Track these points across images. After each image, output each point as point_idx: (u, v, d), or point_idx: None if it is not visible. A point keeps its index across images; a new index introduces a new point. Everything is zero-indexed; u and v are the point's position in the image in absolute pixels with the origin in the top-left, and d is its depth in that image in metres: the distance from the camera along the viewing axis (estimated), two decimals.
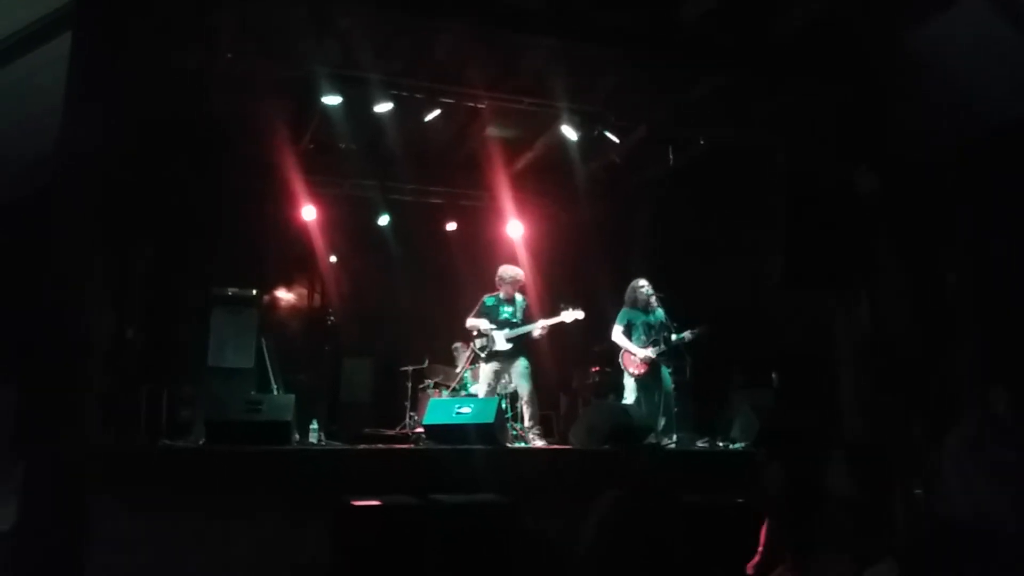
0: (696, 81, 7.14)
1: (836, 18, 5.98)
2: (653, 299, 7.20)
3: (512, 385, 7.25)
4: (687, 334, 7.06)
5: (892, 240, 6.26)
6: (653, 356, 7.04)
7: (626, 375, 7.23)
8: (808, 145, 6.45)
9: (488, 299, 7.32)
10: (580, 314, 7.14)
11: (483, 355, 7.20)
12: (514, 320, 7.18)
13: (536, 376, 7.19)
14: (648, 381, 7.10)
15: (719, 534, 4.01)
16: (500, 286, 7.30)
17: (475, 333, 7.30)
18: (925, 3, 5.60)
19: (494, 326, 7.16)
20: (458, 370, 7.93)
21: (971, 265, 5.99)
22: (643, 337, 7.16)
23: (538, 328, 7.13)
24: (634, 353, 7.11)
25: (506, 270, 7.36)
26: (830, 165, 6.29)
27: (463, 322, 7.43)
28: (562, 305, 7.24)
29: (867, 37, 6.04)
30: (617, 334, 7.25)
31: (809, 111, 6.49)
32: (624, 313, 7.30)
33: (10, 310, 6.21)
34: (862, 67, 6.17)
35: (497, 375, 7.16)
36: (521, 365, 7.04)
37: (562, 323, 7.16)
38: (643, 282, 7.27)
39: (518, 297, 7.32)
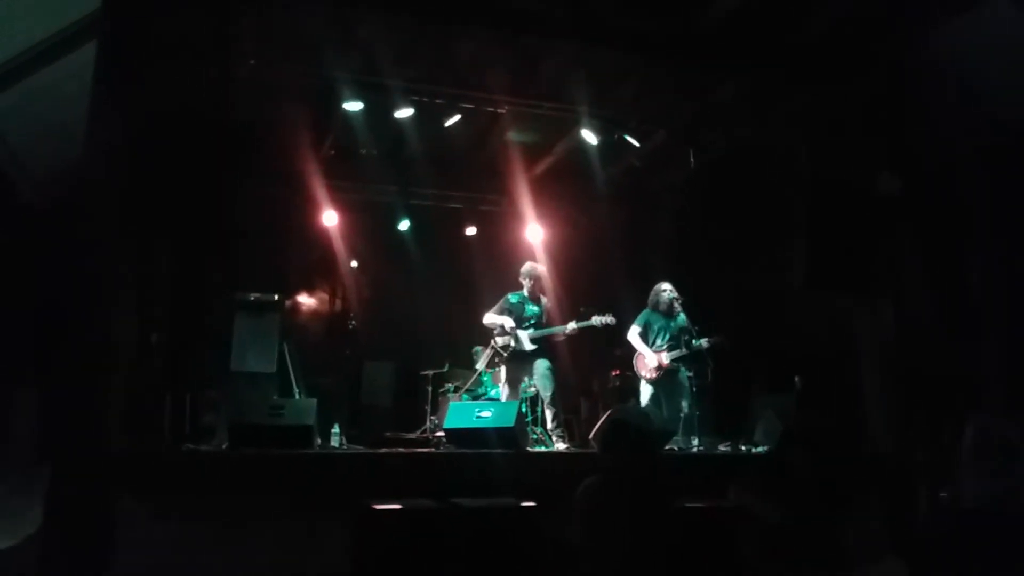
0: (718, 84, 7.11)
1: (859, 20, 5.93)
2: (676, 303, 7.16)
3: (534, 387, 7.23)
4: (704, 341, 7.02)
5: (915, 242, 6.20)
6: (666, 362, 7.01)
7: (641, 379, 7.21)
8: (830, 147, 6.39)
9: (513, 296, 7.27)
10: (611, 319, 7.12)
11: (505, 354, 7.17)
12: (541, 320, 7.14)
13: (557, 379, 7.16)
14: (666, 385, 7.08)
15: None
16: (524, 283, 7.25)
17: (496, 331, 7.25)
18: (948, 5, 5.54)
19: (516, 325, 7.12)
20: (478, 366, 7.88)
21: (994, 267, 5.92)
22: (659, 341, 7.14)
23: (568, 329, 7.09)
24: (646, 356, 7.10)
25: (532, 266, 7.31)
26: (852, 167, 6.24)
27: (483, 325, 7.41)
28: (583, 309, 7.22)
29: (890, 39, 5.99)
30: (633, 334, 7.22)
31: (831, 113, 6.44)
32: (644, 315, 7.28)
33: (35, 314, 6.30)
34: (884, 69, 6.11)
35: (519, 376, 7.13)
36: (543, 366, 7.01)
37: (592, 327, 7.13)
38: (666, 286, 7.23)
39: (543, 297, 7.28)
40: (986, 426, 2.86)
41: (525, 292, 7.25)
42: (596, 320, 7.09)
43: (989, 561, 2.55)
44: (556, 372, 7.12)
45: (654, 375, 7.06)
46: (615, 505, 3.76)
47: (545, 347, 7.12)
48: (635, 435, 4.04)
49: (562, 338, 7.16)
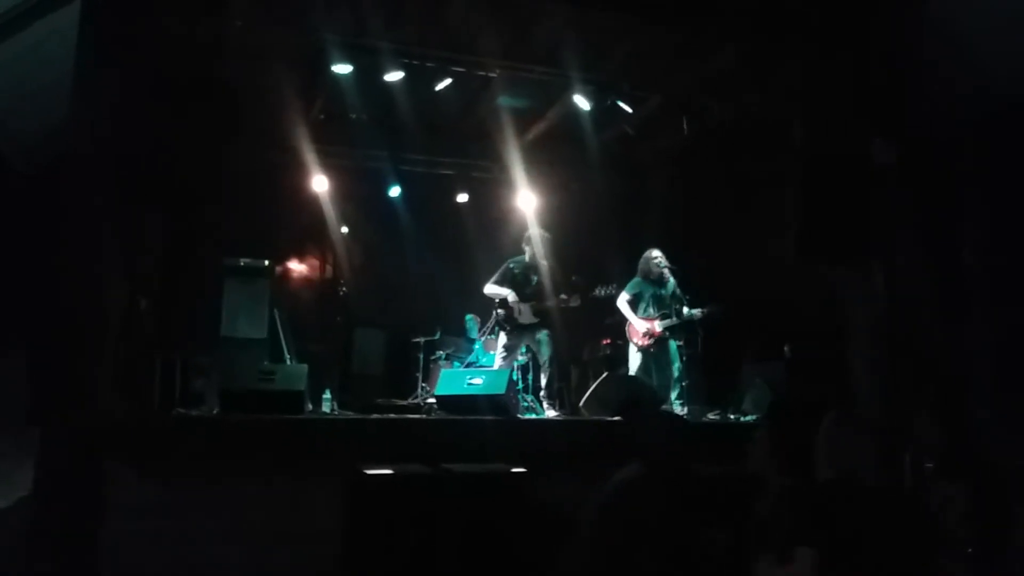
0: (713, 50, 7.04)
1: None
2: (666, 271, 7.16)
3: (528, 354, 7.21)
4: (697, 312, 7.03)
5: (908, 214, 6.19)
6: (659, 330, 7.03)
7: (631, 346, 7.23)
8: (825, 117, 6.35)
9: (514, 264, 7.15)
10: (613, 290, 7.10)
11: (508, 326, 7.07)
12: (544, 289, 7.03)
13: (556, 346, 7.12)
14: (656, 353, 7.10)
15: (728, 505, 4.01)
16: (526, 249, 7.13)
17: (497, 302, 7.14)
18: None
19: (518, 297, 7.03)
20: (479, 337, 7.86)
21: (987, 241, 5.93)
22: (651, 309, 7.15)
23: (571, 303, 7.01)
24: (635, 324, 7.12)
25: (537, 231, 7.15)
26: (847, 138, 6.20)
27: (475, 294, 7.37)
28: (574, 278, 7.19)
29: (888, 7, 5.93)
30: (621, 302, 7.22)
31: (827, 82, 6.39)
32: (634, 283, 7.28)
33: (24, 280, 6.25)
34: (882, 38, 6.06)
35: (518, 344, 7.10)
36: (542, 334, 6.97)
37: (596, 297, 7.11)
38: (657, 253, 7.22)
39: (544, 263, 7.12)
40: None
41: (527, 258, 7.14)
42: (599, 291, 7.07)
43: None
44: (554, 339, 7.10)
45: (645, 343, 7.09)
46: (649, 495, 3.35)
47: (546, 317, 7.07)
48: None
49: (563, 306, 7.13)
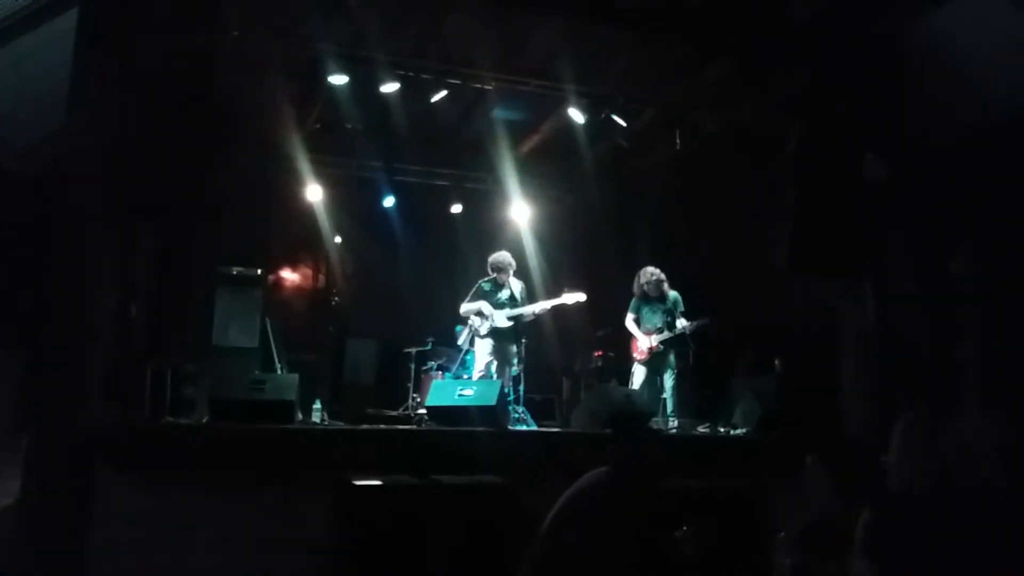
0: (707, 64, 7.09)
1: (848, 3, 5.93)
2: (664, 285, 7.23)
3: (515, 365, 7.26)
4: (688, 325, 7.09)
5: (899, 228, 6.23)
6: (654, 344, 7.14)
7: (635, 362, 7.32)
8: (818, 131, 6.41)
9: (484, 284, 7.29)
10: (582, 296, 7.18)
11: (482, 332, 7.19)
12: (515, 302, 7.18)
13: (537, 358, 7.19)
14: (655, 366, 7.18)
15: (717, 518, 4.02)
16: (492, 273, 7.28)
17: (474, 314, 7.25)
18: None
19: (492, 307, 7.16)
20: (460, 341, 7.87)
21: (977, 255, 5.97)
22: (650, 324, 7.24)
23: (539, 308, 7.17)
24: (639, 340, 7.24)
25: (496, 258, 7.30)
26: (839, 151, 6.25)
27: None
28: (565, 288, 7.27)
29: (879, 23, 5.99)
30: (628, 321, 7.40)
31: (820, 97, 6.45)
32: (633, 303, 7.43)
33: (17, 286, 6.24)
34: (873, 53, 6.12)
35: (494, 352, 7.16)
36: (514, 348, 7.13)
37: (563, 305, 7.19)
38: (651, 269, 7.30)
39: (513, 282, 7.27)
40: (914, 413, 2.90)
41: (494, 280, 7.27)
42: (566, 297, 7.16)
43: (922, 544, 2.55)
44: (522, 352, 7.20)
45: (644, 357, 7.19)
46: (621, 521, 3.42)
47: (520, 325, 7.18)
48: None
49: (531, 317, 7.20)
